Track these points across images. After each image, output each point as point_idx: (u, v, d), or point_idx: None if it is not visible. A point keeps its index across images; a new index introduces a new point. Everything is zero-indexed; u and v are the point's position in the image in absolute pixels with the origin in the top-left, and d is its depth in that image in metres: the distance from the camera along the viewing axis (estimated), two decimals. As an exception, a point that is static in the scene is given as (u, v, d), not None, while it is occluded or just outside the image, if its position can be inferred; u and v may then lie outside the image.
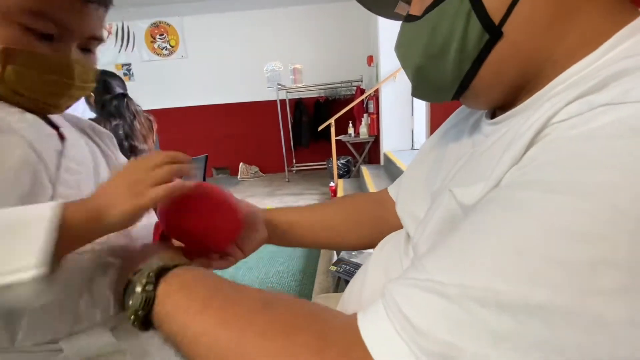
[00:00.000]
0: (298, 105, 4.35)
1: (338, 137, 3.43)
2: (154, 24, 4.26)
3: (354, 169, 3.85)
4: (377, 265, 0.42)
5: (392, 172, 2.52)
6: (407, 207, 0.42)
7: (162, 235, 0.41)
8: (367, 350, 0.21)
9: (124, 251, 0.39)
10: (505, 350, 0.17)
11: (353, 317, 0.24)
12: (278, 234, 0.50)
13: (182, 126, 4.49)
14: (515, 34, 0.26)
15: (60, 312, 0.33)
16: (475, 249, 0.20)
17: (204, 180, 1.78)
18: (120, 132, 1.40)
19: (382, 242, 0.47)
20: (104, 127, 1.53)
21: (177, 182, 0.33)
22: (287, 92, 4.22)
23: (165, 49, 4.35)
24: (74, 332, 0.34)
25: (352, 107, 3.40)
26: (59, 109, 0.41)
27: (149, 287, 0.29)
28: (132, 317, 0.29)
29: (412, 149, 3.10)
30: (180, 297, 0.28)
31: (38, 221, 0.25)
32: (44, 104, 0.38)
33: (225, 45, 4.31)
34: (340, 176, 3.66)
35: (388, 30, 2.88)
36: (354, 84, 4.08)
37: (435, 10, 0.28)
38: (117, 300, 0.35)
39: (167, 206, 0.37)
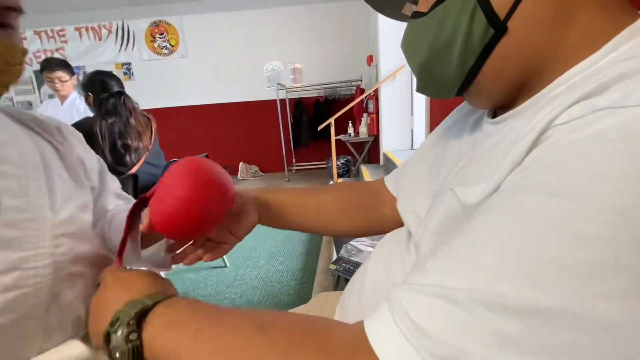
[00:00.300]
0: (298, 104, 4.35)
1: (338, 137, 3.43)
2: (154, 23, 4.26)
3: (353, 168, 3.85)
4: (377, 263, 0.42)
5: (392, 171, 2.53)
6: (408, 204, 0.42)
7: (131, 226, 0.38)
8: (374, 356, 0.21)
9: (89, 260, 0.37)
10: (513, 353, 0.17)
11: (358, 325, 0.24)
12: (268, 214, 0.50)
13: (182, 125, 4.49)
14: (519, 30, 0.26)
15: (28, 332, 0.32)
16: (480, 252, 0.20)
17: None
18: (116, 129, 1.40)
19: (381, 240, 0.47)
20: (102, 125, 1.54)
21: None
22: (287, 91, 4.22)
23: (166, 48, 4.35)
24: (45, 349, 0.33)
25: (352, 107, 3.40)
26: None
27: (133, 337, 0.27)
28: None
29: (412, 148, 3.10)
30: (168, 337, 0.27)
31: None
32: None
33: (225, 44, 4.31)
34: (339, 176, 3.67)
35: (388, 30, 2.88)
36: (353, 83, 4.09)
37: (441, 5, 0.28)
38: (99, 347, 0.32)
39: (157, 190, 0.36)
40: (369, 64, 3.59)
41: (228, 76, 4.42)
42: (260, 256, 2.02)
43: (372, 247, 1.01)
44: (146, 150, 1.50)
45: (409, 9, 0.34)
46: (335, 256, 1.07)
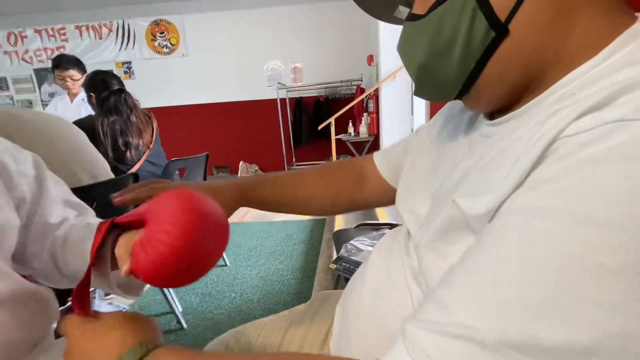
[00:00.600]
0: (298, 104, 4.35)
1: (338, 136, 3.44)
2: (155, 22, 4.26)
3: (353, 168, 3.85)
4: (377, 264, 0.42)
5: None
6: (407, 203, 0.42)
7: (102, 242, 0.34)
8: None
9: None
10: None
11: None
12: (250, 204, 0.51)
13: (183, 124, 4.49)
14: (520, 32, 0.25)
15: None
16: (504, 286, 0.19)
17: (205, 179, 1.79)
18: (117, 127, 1.41)
19: (381, 240, 0.47)
20: (103, 123, 1.55)
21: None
22: (288, 90, 4.22)
23: (166, 47, 4.35)
24: None
25: (352, 106, 3.40)
26: None
27: None
28: None
29: (412, 148, 3.10)
30: None
31: None
32: None
33: (226, 43, 4.31)
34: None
35: (388, 30, 2.88)
36: (354, 83, 4.09)
37: (439, 7, 0.28)
38: None
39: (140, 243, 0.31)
40: (370, 64, 3.60)
41: (228, 75, 4.41)
42: (260, 255, 2.03)
43: (372, 246, 1.02)
44: (147, 148, 1.50)
45: (401, 12, 0.34)
46: (335, 255, 1.08)
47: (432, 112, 2.15)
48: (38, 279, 0.46)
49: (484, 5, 0.26)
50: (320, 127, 3.45)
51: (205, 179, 1.79)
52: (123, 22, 4.23)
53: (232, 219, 2.60)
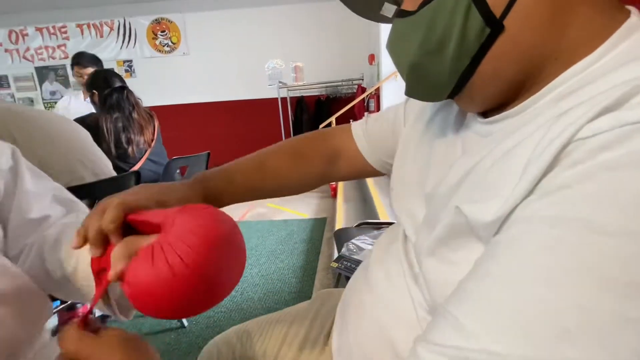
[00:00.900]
0: (299, 103, 4.35)
1: (339, 136, 3.43)
2: (156, 20, 4.25)
3: (354, 167, 3.85)
4: (376, 265, 0.42)
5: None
6: (403, 203, 0.41)
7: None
8: None
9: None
10: None
11: None
12: (216, 203, 0.45)
13: (184, 123, 4.49)
14: (516, 28, 0.25)
15: None
16: (529, 306, 0.18)
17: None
18: (120, 124, 1.42)
19: (378, 240, 0.47)
20: (106, 120, 1.57)
21: None
22: (289, 89, 4.22)
23: (167, 46, 4.34)
24: None
25: (353, 106, 3.40)
26: None
27: None
28: None
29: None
30: None
31: None
32: None
33: (227, 42, 4.30)
34: (340, 174, 3.66)
35: (389, 28, 2.88)
36: (355, 82, 4.08)
37: (432, 3, 0.27)
38: None
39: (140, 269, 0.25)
40: (371, 63, 3.59)
41: (229, 74, 4.41)
42: (261, 254, 2.03)
43: (372, 245, 1.02)
44: (148, 146, 1.51)
45: (388, 10, 0.32)
46: (336, 254, 1.08)
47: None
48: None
49: (479, 1, 0.25)
50: (321, 126, 3.45)
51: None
52: (124, 20, 4.23)
53: (233, 217, 2.63)
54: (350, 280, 0.48)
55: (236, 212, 2.90)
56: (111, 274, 0.28)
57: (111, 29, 4.26)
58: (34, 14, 4.17)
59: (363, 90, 3.70)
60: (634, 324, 0.16)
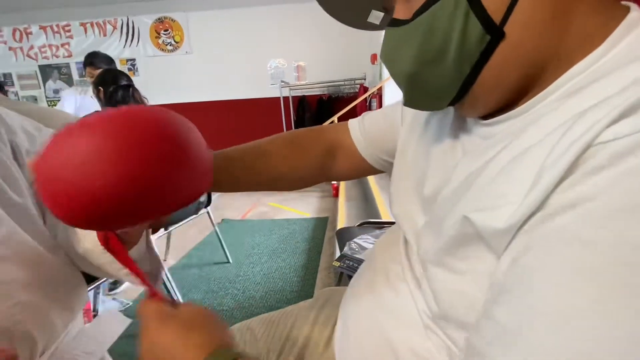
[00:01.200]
0: (301, 102, 4.35)
1: (341, 135, 3.43)
2: (159, 19, 4.26)
3: (356, 166, 3.85)
4: (376, 268, 0.42)
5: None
6: (402, 207, 0.40)
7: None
8: None
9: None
10: None
11: None
12: (216, 187, 0.45)
13: (186, 122, 4.50)
14: (517, 34, 0.24)
15: None
16: (576, 341, 0.17)
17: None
18: None
19: (378, 241, 0.46)
20: None
21: None
22: (291, 89, 4.22)
23: (170, 45, 4.35)
24: None
25: (355, 105, 3.40)
26: None
27: None
28: None
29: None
30: None
31: None
32: None
33: (230, 41, 4.31)
34: (342, 174, 3.66)
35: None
36: (357, 82, 4.08)
37: (428, 12, 0.26)
38: None
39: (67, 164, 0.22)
40: (373, 63, 3.59)
41: (232, 73, 4.41)
42: (262, 253, 2.04)
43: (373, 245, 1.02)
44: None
45: (375, 17, 0.31)
46: (338, 254, 1.08)
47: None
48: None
49: (477, 8, 0.24)
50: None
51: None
52: (127, 19, 4.24)
53: (233, 216, 2.59)
54: (351, 282, 0.48)
55: (238, 210, 2.90)
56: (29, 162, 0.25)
57: (114, 27, 4.27)
58: (38, 12, 4.18)
59: (365, 89, 3.69)
60: None
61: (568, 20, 0.24)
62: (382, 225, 1.24)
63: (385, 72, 3.06)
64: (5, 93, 1.53)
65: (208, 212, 1.73)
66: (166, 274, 1.47)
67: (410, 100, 0.33)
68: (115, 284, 1.74)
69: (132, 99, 1.47)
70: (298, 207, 2.91)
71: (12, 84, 4.44)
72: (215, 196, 3.25)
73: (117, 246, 0.31)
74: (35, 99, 4.49)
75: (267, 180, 0.51)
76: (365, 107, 3.67)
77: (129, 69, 4.39)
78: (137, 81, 4.49)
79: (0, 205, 0.35)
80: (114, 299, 1.66)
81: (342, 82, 4.11)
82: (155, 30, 4.30)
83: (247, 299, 1.61)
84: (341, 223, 2.07)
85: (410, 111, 0.45)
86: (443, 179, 0.33)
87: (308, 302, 0.58)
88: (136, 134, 0.24)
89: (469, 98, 0.29)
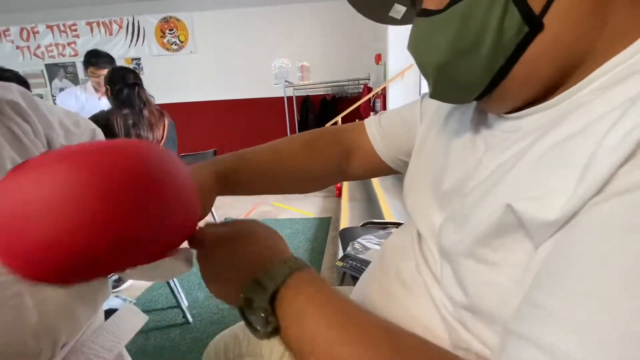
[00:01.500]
0: (305, 102, 4.35)
1: (344, 135, 3.42)
2: (164, 19, 4.28)
3: (359, 167, 3.84)
4: (386, 267, 0.41)
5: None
6: (417, 201, 0.40)
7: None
8: None
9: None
10: None
11: None
12: (228, 190, 0.44)
13: (190, 121, 4.52)
14: (556, 26, 0.24)
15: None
16: (623, 323, 0.17)
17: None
18: (130, 121, 1.44)
19: (387, 241, 0.45)
20: (117, 117, 1.59)
21: None
22: (295, 89, 4.22)
23: (175, 44, 4.37)
24: None
25: (359, 106, 3.39)
26: None
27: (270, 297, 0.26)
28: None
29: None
30: (303, 323, 0.25)
31: None
32: None
33: (234, 41, 4.32)
34: (345, 174, 3.66)
35: (397, 29, 2.86)
36: (361, 82, 4.08)
37: (463, 1, 0.25)
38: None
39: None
40: (377, 63, 3.58)
41: (236, 73, 4.43)
42: (265, 252, 2.04)
43: (379, 245, 1.02)
44: (157, 143, 1.53)
45: (397, 11, 0.31)
46: (341, 254, 1.08)
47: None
48: None
49: None
50: (326, 126, 3.45)
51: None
52: (133, 18, 4.27)
53: (236, 215, 2.60)
54: (359, 284, 0.47)
55: (241, 210, 2.91)
56: None
57: (120, 27, 4.30)
58: (45, 11, 4.22)
59: (369, 90, 3.69)
60: None
61: (606, 15, 0.24)
62: (385, 225, 1.24)
63: (390, 73, 3.05)
64: (29, 89, 1.54)
65: (212, 211, 1.73)
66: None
67: (438, 92, 0.32)
68: (118, 282, 1.75)
69: (137, 98, 1.47)
70: (301, 206, 2.91)
71: (19, 83, 4.49)
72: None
73: None
74: (41, 97, 4.54)
75: (283, 183, 0.50)
76: (369, 107, 3.66)
77: (134, 68, 4.41)
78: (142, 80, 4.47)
79: None
80: (117, 296, 1.67)
81: (346, 82, 4.11)
82: (161, 30, 4.32)
83: (250, 298, 1.61)
84: (344, 223, 2.07)
85: (430, 109, 0.45)
86: (464, 173, 0.32)
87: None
88: (97, 178, 0.20)
89: (498, 92, 0.28)
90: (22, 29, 4.31)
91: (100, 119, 1.36)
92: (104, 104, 2.04)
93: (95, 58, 1.94)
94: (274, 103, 4.43)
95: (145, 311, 0.62)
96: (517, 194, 0.25)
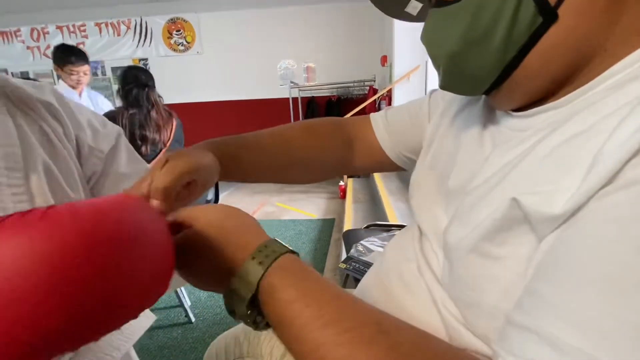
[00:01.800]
0: (310, 103, 4.36)
1: (349, 137, 3.42)
2: (171, 20, 4.33)
3: (364, 168, 3.83)
4: (388, 268, 0.41)
5: (403, 172, 2.51)
6: (421, 199, 0.40)
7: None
8: None
9: None
10: None
11: None
12: (227, 175, 0.42)
13: (196, 122, 4.54)
14: (570, 18, 0.24)
15: None
16: (625, 312, 0.17)
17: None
18: (136, 121, 1.46)
19: (390, 243, 0.45)
20: (123, 115, 1.61)
21: None
22: (300, 90, 4.23)
23: (182, 45, 4.41)
24: None
25: (364, 107, 3.39)
26: None
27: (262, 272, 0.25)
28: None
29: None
30: (287, 302, 0.24)
31: None
32: None
33: (240, 42, 4.35)
34: (350, 176, 3.66)
35: (403, 30, 2.86)
36: (366, 83, 4.07)
37: None
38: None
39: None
40: (383, 65, 3.57)
41: (242, 73, 4.45)
42: (268, 253, 2.04)
43: (382, 247, 1.01)
44: (164, 145, 1.54)
45: (413, 7, 0.32)
46: (344, 255, 1.08)
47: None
48: None
49: None
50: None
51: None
52: (141, 19, 4.32)
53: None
54: (360, 285, 0.47)
55: (245, 210, 2.91)
56: None
57: (128, 27, 4.35)
58: (55, 12, 4.29)
59: (375, 91, 3.68)
60: None
61: (619, 12, 0.24)
62: (389, 227, 1.23)
63: (395, 75, 3.05)
64: None
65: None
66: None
67: (447, 83, 0.32)
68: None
69: (145, 100, 1.49)
70: (305, 208, 2.91)
71: (29, 82, 4.56)
72: (222, 195, 3.28)
73: None
74: (50, 96, 4.61)
75: (283, 166, 0.48)
76: (375, 108, 3.66)
77: (142, 69, 4.47)
78: (148, 80, 4.49)
79: (56, 198, 0.35)
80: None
81: (352, 84, 4.11)
82: (168, 31, 4.36)
83: (253, 298, 1.61)
84: (348, 225, 2.06)
85: (438, 108, 0.44)
86: (472, 170, 0.32)
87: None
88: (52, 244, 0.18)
89: (508, 85, 0.28)
90: (32, 30, 4.38)
91: (108, 118, 1.38)
92: (84, 100, 2.01)
93: (75, 56, 1.88)
94: (279, 104, 4.44)
95: (147, 310, 0.62)
96: (523, 188, 0.25)
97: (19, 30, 4.39)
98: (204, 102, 4.58)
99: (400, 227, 1.24)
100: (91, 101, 2.10)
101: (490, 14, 0.25)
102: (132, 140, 1.45)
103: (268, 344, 0.52)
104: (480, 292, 0.27)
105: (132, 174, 0.46)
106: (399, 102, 3.07)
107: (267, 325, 0.27)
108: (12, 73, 4.48)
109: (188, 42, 4.40)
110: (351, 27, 4.22)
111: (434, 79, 2.81)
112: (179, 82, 4.49)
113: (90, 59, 2.05)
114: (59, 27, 4.37)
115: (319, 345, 0.22)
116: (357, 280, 0.95)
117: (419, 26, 0.34)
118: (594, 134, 0.22)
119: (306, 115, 4.38)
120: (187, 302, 1.50)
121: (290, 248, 0.28)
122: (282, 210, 2.90)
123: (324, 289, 0.25)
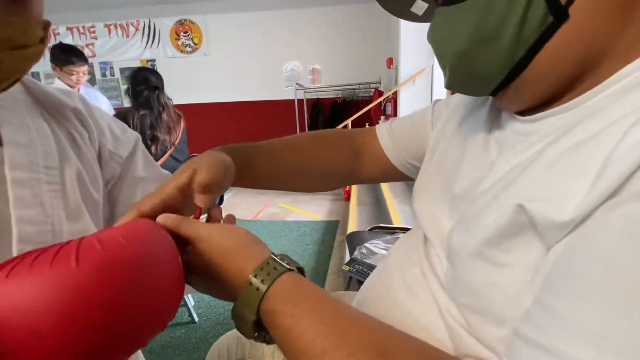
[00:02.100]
0: (315, 105, 4.37)
1: (354, 139, 3.42)
2: (179, 21, 4.37)
3: (368, 171, 3.82)
4: (392, 273, 0.40)
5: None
6: (425, 204, 0.40)
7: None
8: None
9: None
10: None
11: None
12: (241, 182, 0.43)
13: (202, 122, 4.58)
14: (582, 18, 0.23)
15: None
16: (633, 326, 0.16)
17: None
18: (147, 121, 1.47)
19: (392, 247, 0.45)
20: (134, 116, 1.63)
21: None
22: (305, 91, 4.24)
23: (189, 47, 4.45)
24: None
25: (370, 109, 3.39)
26: None
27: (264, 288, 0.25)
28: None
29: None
30: (288, 315, 0.25)
31: None
32: None
33: (247, 44, 4.38)
34: (354, 177, 3.65)
35: (409, 32, 2.86)
36: (372, 85, 4.07)
37: None
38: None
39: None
40: (389, 67, 3.57)
41: (248, 75, 4.48)
42: (272, 254, 2.04)
43: (386, 250, 1.01)
44: (172, 145, 1.56)
45: (419, 7, 0.31)
46: (347, 258, 1.07)
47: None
48: None
49: None
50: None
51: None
52: (149, 21, 4.37)
53: (244, 216, 2.60)
54: (363, 287, 0.46)
55: (249, 211, 2.93)
56: None
57: (137, 29, 4.40)
58: (66, 14, 4.36)
59: (380, 93, 3.68)
60: None
61: (630, 15, 0.23)
62: (393, 230, 1.22)
63: (401, 77, 3.04)
64: None
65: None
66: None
67: (453, 83, 0.32)
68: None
69: (156, 101, 1.50)
70: (309, 209, 2.91)
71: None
72: (227, 196, 3.29)
73: None
74: (60, 96, 4.67)
75: (294, 175, 0.49)
76: (380, 111, 3.65)
77: (149, 70, 4.52)
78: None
79: (83, 197, 0.36)
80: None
81: (357, 86, 4.11)
82: (175, 32, 4.41)
83: (256, 299, 1.61)
84: (352, 227, 2.06)
85: (442, 116, 0.45)
86: (477, 176, 0.32)
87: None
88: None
89: (516, 85, 0.28)
90: (43, 31, 4.46)
91: (118, 118, 1.40)
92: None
93: (76, 57, 1.87)
94: (284, 105, 4.45)
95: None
96: (529, 194, 0.24)
97: (30, 32, 4.47)
98: (211, 103, 4.61)
99: (405, 229, 1.23)
100: (88, 98, 2.11)
101: (500, 12, 0.25)
102: (142, 140, 1.47)
103: (269, 346, 0.52)
104: (484, 299, 0.27)
105: (148, 177, 0.48)
106: (405, 105, 3.06)
107: (271, 342, 0.27)
108: (23, 73, 4.56)
109: (195, 44, 4.44)
110: (357, 30, 4.22)
111: (439, 82, 2.80)
112: (186, 83, 4.53)
113: (99, 59, 2.09)
114: (69, 29, 4.44)
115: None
116: (360, 283, 0.94)
117: (425, 28, 0.33)
118: (603, 140, 0.21)
119: (311, 117, 4.39)
120: (190, 302, 1.51)
121: (288, 266, 0.27)
122: (286, 211, 2.91)
123: (323, 311, 0.25)
